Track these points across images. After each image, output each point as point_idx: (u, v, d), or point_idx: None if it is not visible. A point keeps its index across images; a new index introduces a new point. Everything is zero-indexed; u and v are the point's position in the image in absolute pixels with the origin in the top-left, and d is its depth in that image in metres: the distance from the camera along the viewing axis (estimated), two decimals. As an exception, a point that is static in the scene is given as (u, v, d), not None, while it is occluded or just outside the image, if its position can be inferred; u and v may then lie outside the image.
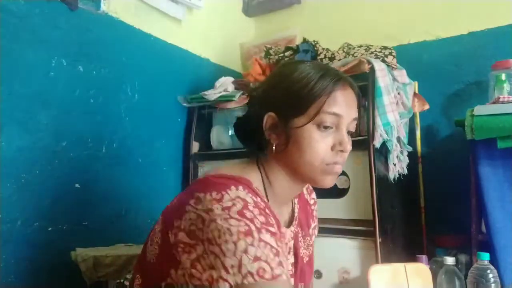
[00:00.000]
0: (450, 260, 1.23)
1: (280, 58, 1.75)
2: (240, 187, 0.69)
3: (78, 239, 1.37)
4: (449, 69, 1.83)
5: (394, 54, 1.58)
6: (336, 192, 1.52)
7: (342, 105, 0.76)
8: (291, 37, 2.16)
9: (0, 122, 1.21)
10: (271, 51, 1.84)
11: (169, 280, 0.72)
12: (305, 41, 1.79)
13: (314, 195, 1.07)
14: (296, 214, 0.91)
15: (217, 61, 2.12)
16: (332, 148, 0.76)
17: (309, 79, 0.75)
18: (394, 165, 1.47)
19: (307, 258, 0.93)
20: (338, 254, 1.47)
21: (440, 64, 1.85)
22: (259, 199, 0.71)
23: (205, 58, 2.05)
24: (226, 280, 0.61)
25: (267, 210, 0.70)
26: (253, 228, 0.64)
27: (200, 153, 1.87)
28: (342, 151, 0.76)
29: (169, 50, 1.84)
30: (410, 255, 1.46)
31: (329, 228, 1.51)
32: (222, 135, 1.86)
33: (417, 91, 1.76)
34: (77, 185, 1.41)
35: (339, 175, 1.50)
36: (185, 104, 1.87)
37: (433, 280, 1.27)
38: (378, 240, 1.36)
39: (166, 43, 1.82)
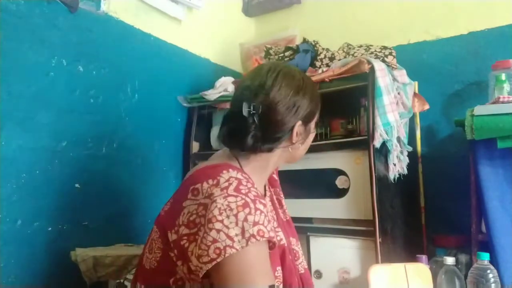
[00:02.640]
0: (450, 260, 1.23)
1: (280, 58, 1.75)
2: (230, 169, 0.80)
3: (78, 239, 1.37)
4: (449, 69, 1.83)
5: (394, 54, 1.58)
6: (336, 192, 1.52)
7: None
8: (291, 37, 2.16)
9: (0, 122, 1.21)
10: (271, 51, 1.84)
11: (178, 276, 0.79)
12: (305, 41, 1.79)
13: None
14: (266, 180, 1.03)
15: (217, 61, 2.12)
16: None
17: (316, 90, 0.97)
18: (394, 165, 1.47)
19: (286, 217, 1.07)
20: (338, 254, 1.47)
21: (440, 64, 1.85)
22: (246, 176, 0.82)
23: (205, 58, 2.05)
24: (232, 247, 0.70)
25: (255, 185, 0.81)
26: (248, 200, 0.74)
27: (200, 153, 1.87)
28: None
29: (169, 50, 1.84)
30: (410, 255, 1.46)
31: (329, 228, 1.51)
32: (222, 135, 1.86)
33: (417, 91, 1.76)
34: (77, 185, 1.41)
35: (339, 175, 1.52)
36: (185, 104, 1.87)
37: (433, 280, 1.27)
38: (378, 240, 1.36)
39: (166, 43, 1.82)
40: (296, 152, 0.95)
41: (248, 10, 2.39)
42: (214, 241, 0.70)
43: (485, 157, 1.36)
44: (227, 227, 0.71)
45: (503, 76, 1.46)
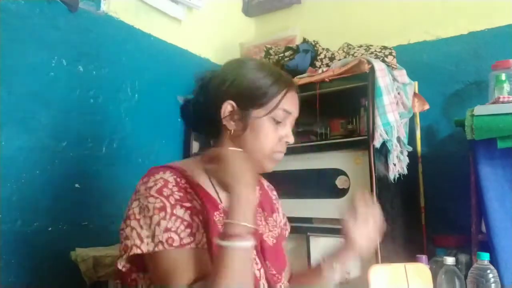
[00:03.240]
0: (450, 260, 1.23)
1: (280, 58, 1.75)
2: (167, 171, 0.79)
3: (78, 239, 1.37)
4: (449, 69, 1.83)
5: (394, 54, 1.58)
6: (336, 192, 1.52)
7: (293, 105, 0.88)
8: (291, 37, 2.16)
9: (0, 122, 1.21)
10: (271, 51, 1.84)
11: (132, 276, 0.81)
12: (305, 41, 1.79)
13: (275, 192, 1.13)
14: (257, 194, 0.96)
15: (217, 61, 2.12)
16: (280, 139, 0.87)
17: (271, 77, 0.86)
18: (394, 165, 1.47)
19: (274, 240, 0.95)
20: (338, 254, 1.47)
21: (440, 64, 1.85)
22: (183, 181, 0.79)
23: (205, 58, 2.05)
24: (139, 247, 0.71)
25: (188, 189, 0.79)
26: (167, 204, 0.74)
27: (200, 153, 1.86)
28: (287, 142, 0.88)
29: (169, 50, 1.84)
30: (410, 255, 1.45)
31: (329, 228, 1.51)
32: (222, 135, 1.86)
33: (417, 91, 1.76)
34: (77, 185, 1.41)
35: (339, 175, 1.52)
36: (185, 104, 1.86)
37: (433, 280, 1.27)
38: (378, 240, 1.36)
39: (166, 43, 1.82)
40: (244, 143, 0.85)
41: (248, 10, 2.39)
42: (126, 237, 0.73)
43: (485, 157, 1.35)
44: (141, 227, 0.73)
45: (503, 76, 1.46)
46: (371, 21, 2.03)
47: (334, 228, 1.50)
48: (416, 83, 1.76)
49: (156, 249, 0.71)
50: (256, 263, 0.86)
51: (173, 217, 0.73)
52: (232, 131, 0.86)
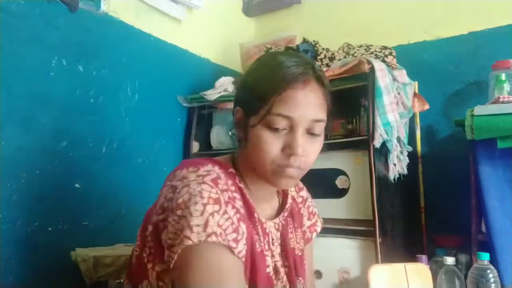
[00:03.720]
0: (450, 260, 1.23)
1: (280, 58, 1.75)
2: (216, 166, 0.74)
3: (78, 239, 1.37)
4: (449, 69, 1.83)
5: (394, 54, 1.58)
6: (336, 192, 1.52)
7: (294, 107, 0.71)
8: (291, 37, 2.16)
9: (0, 122, 1.21)
10: (271, 51, 1.84)
11: (144, 283, 0.75)
12: (305, 41, 1.79)
13: (303, 192, 1.01)
14: (287, 206, 0.90)
15: (217, 61, 2.12)
16: (283, 150, 0.73)
17: (261, 79, 0.74)
18: (394, 165, 1.47)
19: (299, 252, 0.90)
20: (338, 254, 1.47)
21: (440, 64, 1.85)
22: (230, 182, 0.74)
23: (205, 58, 2.05)
24: (189, 238, 0.63)
25: (235, 191, 0.74)
26: (221, 198, 0.67)
27: (200, 153, 1.87)
28: (292, 154, 0.72)
29: (169, 50, 1.84)
30: (410, 255, 1.46)
31: (329, 228, 1.50)
32: (222, 135, 1.86)
33: (417, 91, 1.76)
34: (77, 185, 1.41)
35: (339, 175, 1.52)
36: (185, 104, 1.87)
37: (433, 280, 1.27)
38: (378, 240, 1.36)
39: (166, 43, 1.82)
40: (249, 155, 0.77)
41: (248, 10, 2.39)
42: (181, 230, 0.64)
43: (485, 157, 1.35)
44: (191, 214, 0.64)
45: (503, 76, 1.46)
46: (371, 21, 2.03)
47: (334, 228, 1.50)
48: (416, 83, 1.76)
49: (209, 239, 0.63)
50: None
51: (226, 215, 0.66)
52: (237, 141, 0.80)
